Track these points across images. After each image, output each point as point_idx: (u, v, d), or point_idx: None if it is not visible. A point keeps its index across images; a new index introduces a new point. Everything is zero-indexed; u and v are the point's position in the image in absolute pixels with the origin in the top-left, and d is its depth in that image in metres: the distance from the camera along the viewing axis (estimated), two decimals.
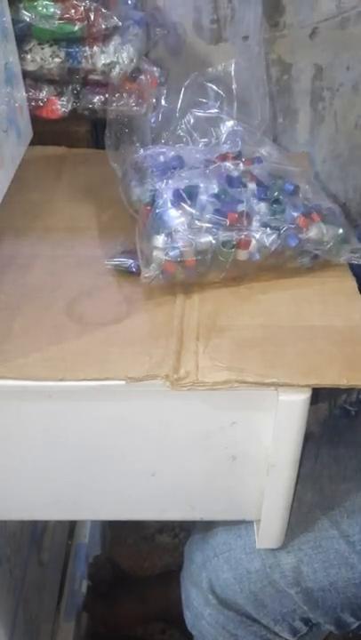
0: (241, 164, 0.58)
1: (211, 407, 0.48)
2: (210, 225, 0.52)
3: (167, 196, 0.53)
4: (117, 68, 0.74)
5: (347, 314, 0.52)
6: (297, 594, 0.60)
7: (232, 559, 0.61)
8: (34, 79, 0.74)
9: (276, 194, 0.55)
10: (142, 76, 0.80)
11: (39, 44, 0.72)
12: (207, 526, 0.65)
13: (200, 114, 0.68)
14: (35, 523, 0.78)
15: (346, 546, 0.59)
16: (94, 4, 0.69)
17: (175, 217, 0.52)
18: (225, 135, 0.65)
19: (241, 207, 0.53)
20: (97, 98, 0.77)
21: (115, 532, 1.14)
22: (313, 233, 0.54)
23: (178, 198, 0.53)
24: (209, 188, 0.54)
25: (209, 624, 0.64)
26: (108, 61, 0.73)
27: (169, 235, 0.51)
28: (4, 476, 0.53)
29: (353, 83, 1.06)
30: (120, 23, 0.72)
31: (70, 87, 0.75)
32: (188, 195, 0.53)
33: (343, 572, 0.59)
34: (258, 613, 0.62)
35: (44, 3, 0.68)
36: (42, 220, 0.65)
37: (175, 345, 0.48)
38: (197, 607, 0.65)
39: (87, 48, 0.72)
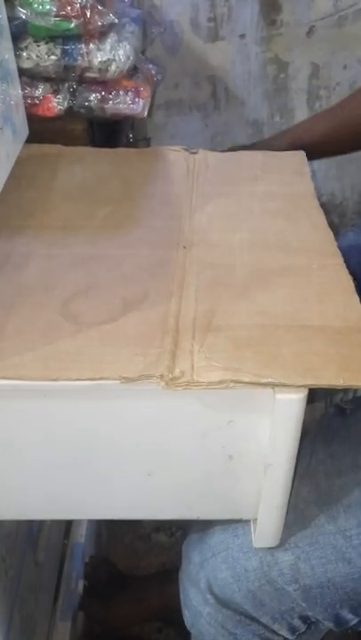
0: None
1: (207, 406, 0.48)
2: None
3: None
4: (114, 66, 0.73)
5: (344, 314, 0.52)
6: (295, 591, 0.60)
7: (229, 558, 0.61)
8: (30, 77, 0.74)
9: None
10: (139, 74, 0.80)
11: (35, 41, 0.71)
12: (204, 525, 0.65)
13: None
14: (30, 522, 0.78)
15: (343, 541, 0.59)
16: (90, 2, 0.69)
17: None
18: None
19: None
20: (93, 96, 0.76)
21: (111, 531, 1.14)
22: None
23: None
24: None
25: (208, 623, 0.64)
26: (104, 59, 0.73)
27: None
28: None
29: (350, 81, 1.06)
30: (117, 20, 0.72)
31: (66, 85, 0.75)
32: None
33: (341, 568, 0.59)
34: (256, 612, 0.62)
35: (40, 0, 0.68)
36: (37, 218, 0.65)
37: (170, 344, 0.48)
38: (196, 606, 0.65)
39: (83, 45, 0.72)
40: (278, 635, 0.64)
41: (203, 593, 0.63)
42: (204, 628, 0.64)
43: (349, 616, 0.62)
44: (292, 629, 0.63)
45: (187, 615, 0.66)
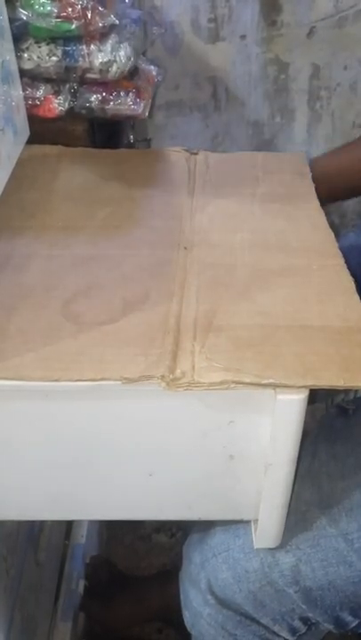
0: None
1: (208, 407, 0.48)
2: None
3: None
4: (115, 67, 0.73)
5: (344, 314, 0.52)
6: (296, 593, 0.60)
7: (230, 559, 0.61)
8: (31, 78, 0.74)
9: None
10: (140, 75, 0.80)
11: (36, 42, 0.71)
12: (205, 526, 0.65)
13: None
14: (31, 523, 0.78)
15: (344, 544, 0.59)
16: (91, 3, 0.69)
17: None
18: None
19: None
20: (94, 97, 0.76)
21: (111, 531, 1.14)
22: None
23: None
24: None
25: (208, 624, 0.64)
26: (105, 60, 0.73)
27: None
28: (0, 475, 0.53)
29: (350, 82, 1.06)
30: (117, 22, 0.72)
31: (67, 86, 0.75)
32: None
33: (342, 571, 0.59)
34: (257, 613, 0.62)
35: (41, 1, 0.68)
36: (38, 219, 0.65)
37: (171, 345, 0.48)
38: (196, 607, 0.64)
39: (84, 46, 0.72)
40: (279, 636, 0.64)
41: (203, 593, 0.63)
42: (205, 628, 0.64)
43: (349, 618, 0.62)
44: (293, 630, 0.63)
45: (187, 616, 0.66)
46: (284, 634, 0.63)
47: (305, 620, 0.63)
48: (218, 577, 0.62)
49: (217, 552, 0.62)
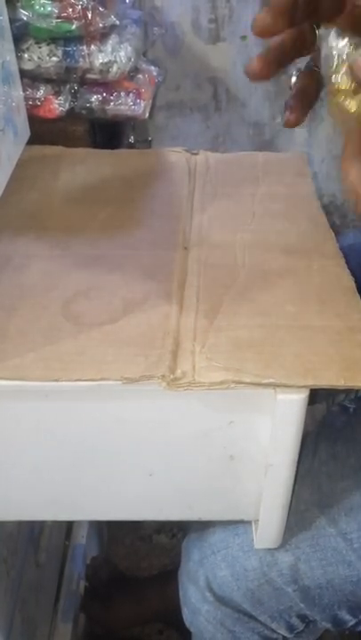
0: None
1: (208, 407, 0.48)
2: None
3: None
4: (115, 67, 0.73)
5: (345, 314, 0.52)
6: (294, 591, 0.60)
7: (229, 557, 0.61)
8: (31, 78, 0.74)
9: None
10: (140, 76, 0.80)
11: (36, 42, 0.71)
12: (205, 524, 0.65)
13: None
14: (32, 523, 0.78)
15: (344, 544, 0.59)
16: (92, 3, 0.69)
17: None
18: None
19: None
20: (95, 97, 0.76)
21: (112, 532, 1.14)
22: None
23: None
24: None
25: (206, 620, 0.64)
26: (105, 60, 0.73)
27: None
28: (0, 476, 0.53)
29: None
30: (118, 22, 0.72)
31: (68, 86, 0.75)
32: None
33: (340, 570, 0.59)
34: (255, 610, 0.62)
35: (42, 1, 0.68)
36: (38, 219, 0.65)
37: (172, 345, 0.48)
38: (195, 604, 0.65)
39: (85, 47, 0.72)
40: (277, 633, 0.64)
41: (202, 590, 0.63)
42: (203, 625, 0.64)
43: (347, 617, 0.62)
44: (291, 628, 0.64)
45: (186, 613, 0.66)
46: (282, 631, 0.64)
47: (303, 618, 0.63)
48: (216, 574, 0.62)
49: (216, 550, 0.62)
